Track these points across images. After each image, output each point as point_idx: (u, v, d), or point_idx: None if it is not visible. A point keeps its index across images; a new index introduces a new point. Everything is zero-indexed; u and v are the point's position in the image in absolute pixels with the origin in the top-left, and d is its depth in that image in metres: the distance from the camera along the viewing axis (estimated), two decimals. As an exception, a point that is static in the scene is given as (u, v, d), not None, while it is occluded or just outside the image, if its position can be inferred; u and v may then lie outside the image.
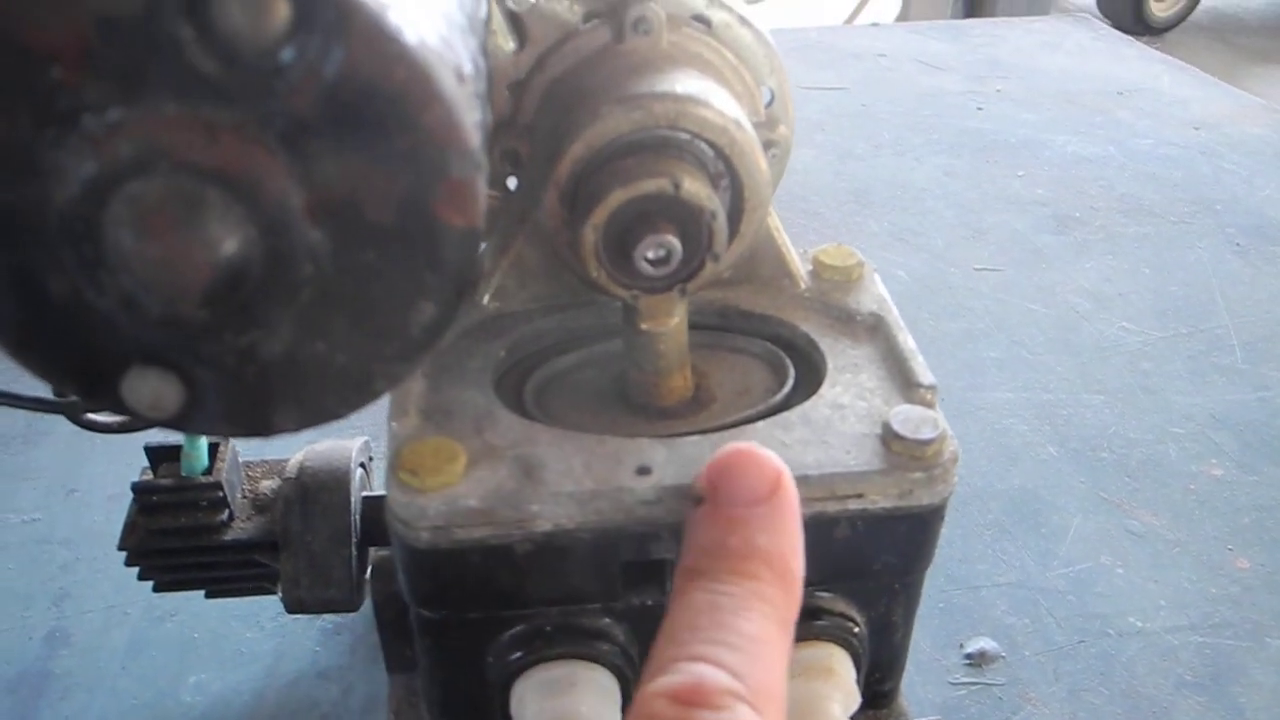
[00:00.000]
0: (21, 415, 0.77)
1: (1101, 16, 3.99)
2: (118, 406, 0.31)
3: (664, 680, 0.29)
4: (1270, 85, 3.50)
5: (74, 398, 0.45)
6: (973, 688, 0.63)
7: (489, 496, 0.38)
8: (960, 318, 1.00)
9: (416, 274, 0.29)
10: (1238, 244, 1.14)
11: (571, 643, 0.41)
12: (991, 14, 2.68)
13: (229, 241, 0.27)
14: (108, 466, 0.76)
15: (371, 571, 0.49)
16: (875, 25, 1.96)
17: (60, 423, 0.51)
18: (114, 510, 0.72)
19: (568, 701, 0.40)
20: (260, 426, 0.31)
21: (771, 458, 0.35)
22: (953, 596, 0.69)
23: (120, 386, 0.30)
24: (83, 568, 0.70)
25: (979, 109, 1.46)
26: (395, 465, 0.39)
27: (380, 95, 0.26)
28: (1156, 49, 1.76)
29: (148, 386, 0.30)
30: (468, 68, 0.30)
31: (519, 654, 0.41)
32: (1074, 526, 0.75)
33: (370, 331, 0.30)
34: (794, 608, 0.33)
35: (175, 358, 0.29)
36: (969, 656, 0.65)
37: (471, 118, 0.28)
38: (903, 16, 2.94)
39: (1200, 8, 4.19)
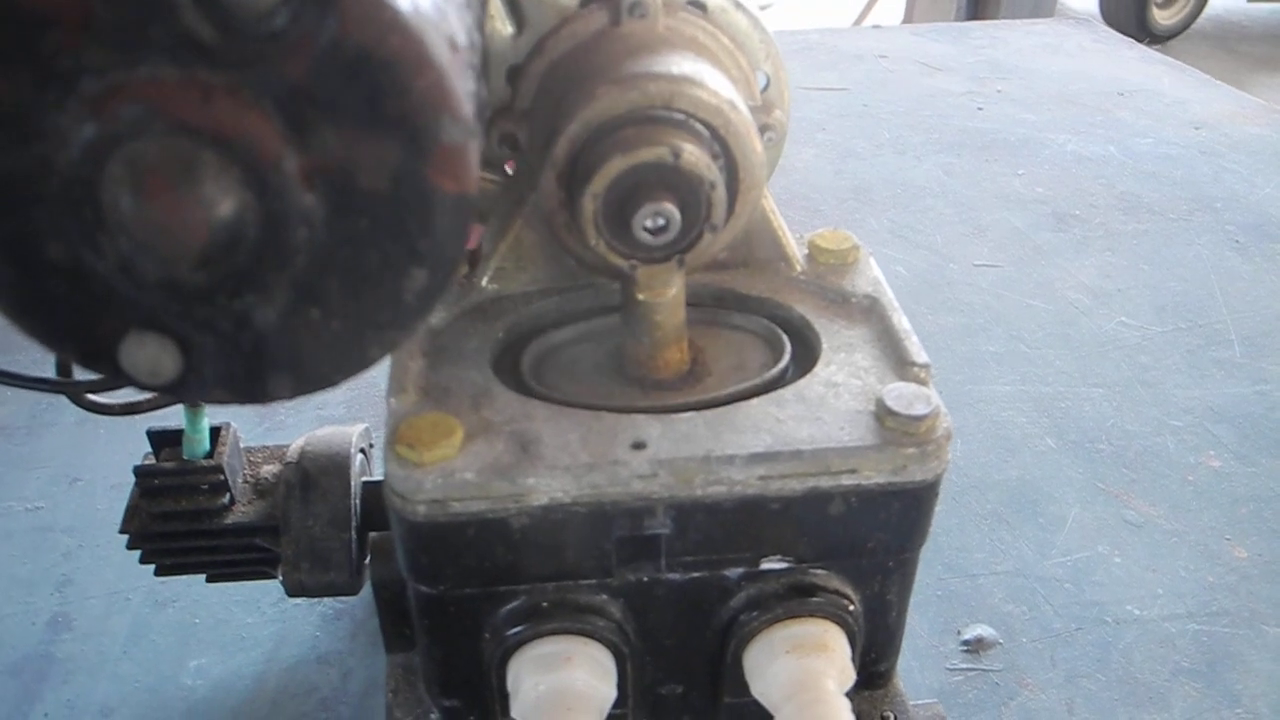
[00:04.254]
0: (25, 405, 0.78)
1: (1105, 24, 4.00)
2: (116, 373, 0.31)
3: None
4: (1273, 92, 3.50)
5: (74, 369, 0.46)
6: (970, 674, 0.63)
7: (485, 470, 0.39)
8: (959, 313, 1.00)
9: (409, 240, 0.29)
10: (1237, 241, 1.14)
11: (567, 618, 0.42)
12: (994, 19, 2.68)
13: (224, 203, 0.27)
14: (110, 456, 0.76)
15: (370, 550, 0.49)
16: (877, 27, 1.96)
17: (64, 413, 0.51)
18: (116, 499, 0.72)
19: (564, 676, 0.41)
20: (256, 393, 0.32)
21: None
22: (950, 584, 0.69)
23: (118, 352, 0.30)
24: (85, 555, 0.70)
25: (979, 109, 1.47)
26: (393, 439, 0.39)
27: (373, 61, 0.27)
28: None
29: (145, 352, 0.30)
30: (461, 39, 0.30)
31: (516, 629, 0.42)
32: (1072, 516, 0.75)
33: (364, 298, 0.30)
34: None
35: (172, 323, 0.30)
36: (966, 643, 0.65)
37: (465, 86, 0.29)
38: (906, 21, 2.94)
39: (1203, 15, 4.19)
